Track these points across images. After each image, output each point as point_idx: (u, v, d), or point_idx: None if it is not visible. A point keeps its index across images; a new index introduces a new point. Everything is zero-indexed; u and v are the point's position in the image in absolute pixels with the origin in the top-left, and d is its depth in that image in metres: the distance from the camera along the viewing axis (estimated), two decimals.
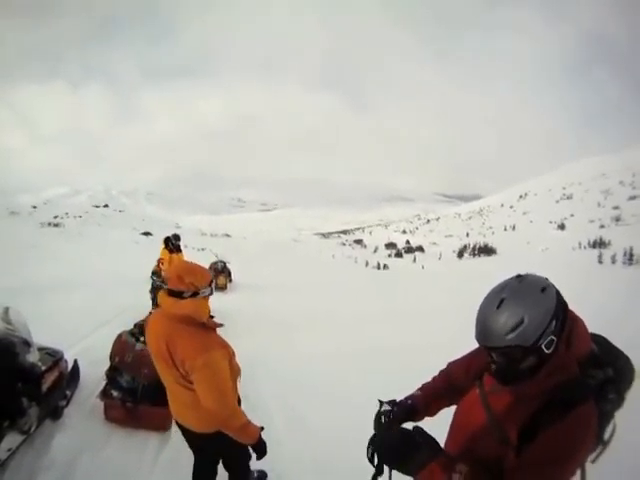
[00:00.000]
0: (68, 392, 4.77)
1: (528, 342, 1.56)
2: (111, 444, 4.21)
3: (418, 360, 6.60)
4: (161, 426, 4.53)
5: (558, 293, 1.66)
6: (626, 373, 1.79)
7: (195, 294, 2.75)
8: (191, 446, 3.17)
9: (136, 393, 4.52)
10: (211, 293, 2.87)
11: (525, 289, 1.63)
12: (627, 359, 1.83)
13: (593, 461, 1.74)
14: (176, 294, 2.73)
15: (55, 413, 4.41)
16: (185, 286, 2.72)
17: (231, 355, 2.85)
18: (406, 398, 2.15)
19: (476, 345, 1.89)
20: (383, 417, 2.02)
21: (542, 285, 1.63)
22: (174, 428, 4.59)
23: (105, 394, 4.61)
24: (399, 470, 1.73)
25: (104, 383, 4.78)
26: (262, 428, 2.94)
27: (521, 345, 1.57)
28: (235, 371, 2.90)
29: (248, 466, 3.35)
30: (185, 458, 4.12)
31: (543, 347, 1.58)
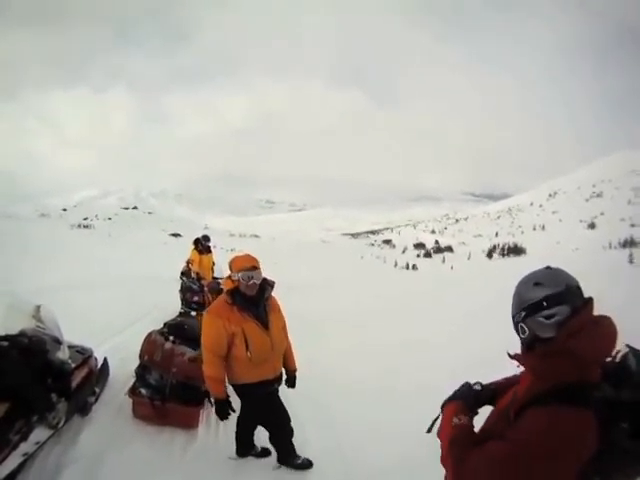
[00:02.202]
0: (97, 389, 4.84)
1: (512, 316, 1.87)
2: (138, 440, 4.24)
3: (446, 359, 6.54)
4: (188, 424, 4.57)
5: (557, 296, 1.73)
6: None
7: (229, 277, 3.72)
8: None
9: (164, 391, 4.54)
10: (247, 278, 3.63)
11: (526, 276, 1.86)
12: None
13: None
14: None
15: (84, 409, 4.47)
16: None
17: (223, 325, 3.54)
18: (490, 383, 2.23)
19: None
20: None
21: (535, 281, 1.78)
22: (201, 426, 4.63)
23: (134, 391, 4.64)
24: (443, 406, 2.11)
25: (133, 381, 4.82)
26: (227, 397, 3.67)
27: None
28: (221, 337, 3.56)
29: (246, 418, 4.02)
30: (212, 455, 4.18)
31: (518, 327, 1.83)
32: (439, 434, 1.95)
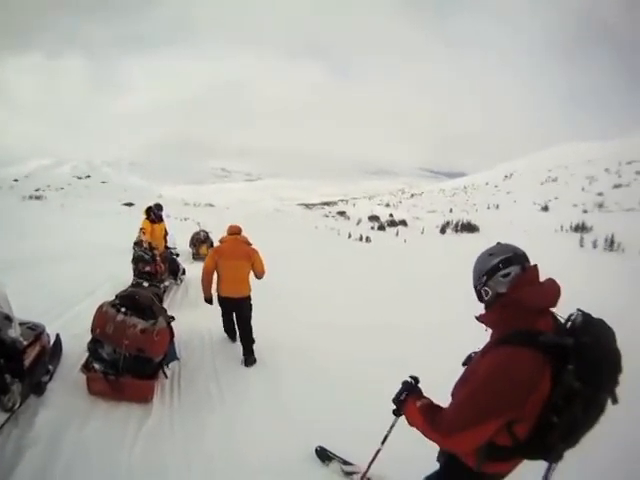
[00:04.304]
0: (51, 367, 4.71)
1: (475, 286, 2.34)
2: (95, 417, 4.22)
3: (408, 332, 6.73)
4: (143, 397, 4.60)
5: (508, 259, 2.21)
6: (587, 351, 1.82)
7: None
8: (232, 309, 6.30)
9: (118, 365, 4.52)
10: None
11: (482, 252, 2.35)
12: (597, 341, 1.87)
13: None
14: (237, 232, 6.33)
15: (38, 389, 4.34)
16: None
17: None
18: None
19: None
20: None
21: (489, 253, 2.29)
22: (156, 399, 4.65)
23: (87, 367, 4.60)
24: (397, 413, 2.59)
25: (86, 356, 4.76)
26: None
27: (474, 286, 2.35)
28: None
29: None
30: (167, 428, 4.24)
31: (482, 292, 2.28)
32: (412, 423, 2.33)
